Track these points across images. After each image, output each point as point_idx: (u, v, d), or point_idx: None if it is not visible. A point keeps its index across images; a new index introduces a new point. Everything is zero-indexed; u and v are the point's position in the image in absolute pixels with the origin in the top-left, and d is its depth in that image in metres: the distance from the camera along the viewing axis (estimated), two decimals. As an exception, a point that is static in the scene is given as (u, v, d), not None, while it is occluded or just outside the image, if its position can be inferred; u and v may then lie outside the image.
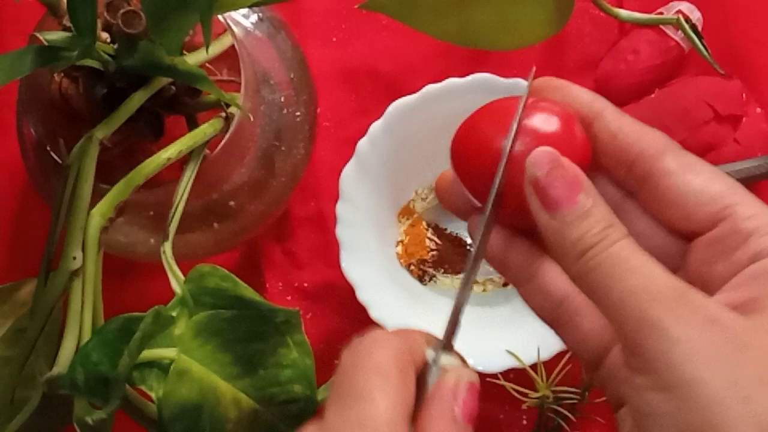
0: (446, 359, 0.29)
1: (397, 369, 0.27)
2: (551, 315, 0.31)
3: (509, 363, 0.52)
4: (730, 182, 0.29)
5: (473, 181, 0.31)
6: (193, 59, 0.45)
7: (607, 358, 0.30)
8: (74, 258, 0.41)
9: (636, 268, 0.26)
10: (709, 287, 0.28)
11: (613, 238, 0.27)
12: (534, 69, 0.32)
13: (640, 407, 0.26)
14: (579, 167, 0.29)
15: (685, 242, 0.29)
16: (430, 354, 0.29)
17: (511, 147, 0.29)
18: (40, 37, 0.40)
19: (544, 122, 0.29)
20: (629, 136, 0.30)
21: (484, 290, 0.57)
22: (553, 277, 0.31)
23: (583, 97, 0.31)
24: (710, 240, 0.28)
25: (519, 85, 0.55)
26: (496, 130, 0.29)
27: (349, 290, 0.53)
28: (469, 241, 0.57)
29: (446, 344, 0.29)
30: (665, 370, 0.25)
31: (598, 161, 0.30)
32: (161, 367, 0.40)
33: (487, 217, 0.30)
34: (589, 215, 0.28)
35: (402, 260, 0.57)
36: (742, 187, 0.29)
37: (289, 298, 0.58)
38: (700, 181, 0.29)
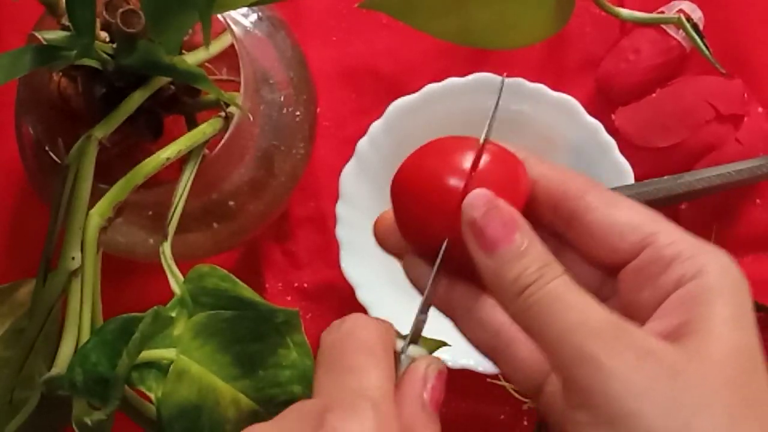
0: (415, 349, 0.30)
1: (381, 346, 0.28)
2: (488, 346, 0.32)
3: (510, 363, 0.52)
4: (651, 213, 0.30)
5: (417, 222, 0.31)
6: (193, 58, 0.45)
7: (545, 387, 0.31)
8: (73, 258, 0.40)
9: (572, 305, 0.27)
10: (639, 315, 0.29)
11: (550, 276, 0.28)
12: (503, 81, 0.33)
13: None
14: (517, 209, 0.29)
15: (613, 277, 0.30)
16: (399, 344, 0.30)
17: (453, 187, 0.29)
18: (39, 37, 0.40)
19: (486, 164, 0.30)
20: (551, 180, 0.31)
21: (485, 290, 0.57)
22: (490, 310, 0.32)
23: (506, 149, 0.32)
24: (635, 268, 0.29)
25: (520, 85, 0.55)
26: (443, 172, 0.30)
27: (349, 290, 0.53)
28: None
29: (414, 335, 0.30)
30: (603, 405, 0.26)
31: (527, 207, 0.31)
32: (160, 368, 0.40)
33: (438, 261, 0.30)
34: (526, 254, 0.28)
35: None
36: (662, 216, 0.30)
37: (288, 298, 0.58)
38: (621, 214, 0.30)
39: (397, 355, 0.29)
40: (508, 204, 0.29)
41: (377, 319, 0.29)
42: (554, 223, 0.31)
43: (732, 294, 0.28)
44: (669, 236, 0.29)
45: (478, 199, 0.29)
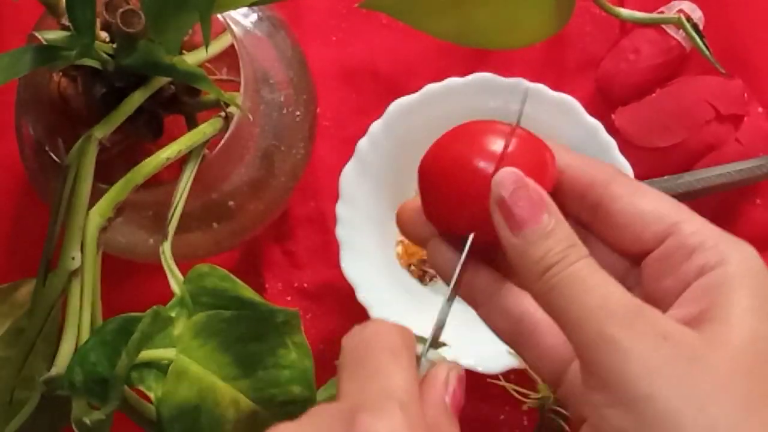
0: (434, 354, 0.30)
1: (405, 349, 0.28)
2: (510, 333, 0.32)
3: (510, 363, 0.52)
4: (675, 203, 0.30)
5: (445, 202, 0.31)
6: (193, 58, 0.45)
7: (566, 375, 0.31)
8: (73, 258, 0.40)
9: (594, 287, 0.28)
10: (661, 303, 0.29)
11: (574, 258, 0.28)
12: (527, 90, 0.33)
13: (598, 425, 0.27)
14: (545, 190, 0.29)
15: (637, 266, 0.31)
16: (419, 348, 0.30)
17: (482, 169, 0.30)
18: (39, 37, 0.40)
19: (515, 147, 0.30)
20: (577, 169, 0.31)
21: (485, 290, 0.57)
22: (513, 297, 0.32)
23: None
24: (658, 257, 0.30)
25: (520, 85, 0.55)
26: (472, 155, 0.30)
27: (349, 290, 0.53)
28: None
29: (434, 340, 0.31)
30: (621, 387, 0.26)
31: (552, 197, 0.31)
32: (160, 368, 0.40)
33: (469, 242, 0.31)
34: (551, 235, 0.29)
35: (402, 260, 0.57)
36: (686, 207, 0.30)
37: (288, 298, 0.58)
38: (646, 203, 0.30)
39: (417, 359, 0.29)
40: (536, 184, 0.29)
41: (397, 324, 0.29)
42: (580, 213, 0.31)
43: (753, 284, 0.28)
44: (692, 225, 0.29)
45: (508, 177, 0.29)
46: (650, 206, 0.30)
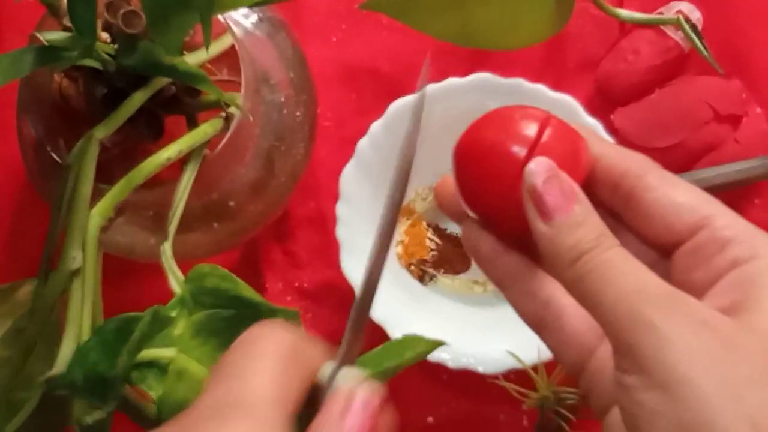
0: (348, 373, 0.28)
1: (275, 353, 0.27)
2: (536, 317, 0.32)
3: (510, 363, 0.52)
4: (707, 196, 0.30)
5: (478, 187, 0.31)
6: (193, 59, 0.45)
7: (589, 363, 0.31)
8: (74, 258, 0.41)
9: (630, 272, 0.28)
10: (692, 294, 0.29)
11: (607, 245, 0.28)
12: (428, 60, 0.34)
13: (631, 409, 0.26)
14: (577, 183, 0.30)
15: (667, 257, 0.31)
16: (327, 368, 0.28)
17: (515, 154, 0.30)
18: (40, 37, 0.40)
19: (549, 136, 0.30)
20: (612, 159, 0.31)
21: (485, 290, 0.57)
22: (542, 281, 0.32)
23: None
24: (690, 249, 0.30)
25: (520, 85, 0.55)
26: (506, 141, 0.30)
27: (349, 290, 0.53)
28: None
29: (345, 358, 0.29)
30: (658, 370, 0.26)
31: (585, 185, 0.31)
32: (160, 367, 0.40)
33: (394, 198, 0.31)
34: (584, 224, 0.29)
35: (402, 260, 0.57)
36: (718, 200, 0.30)
37: (289, 298, 0.58)
38: (679, 194, 0.30)
39: (322, 386, 0.28)
40: (568, 176, 0.29)
41: (293, 329, 0.29)
42: (612, 202, 0.32)
43: None
44: (725, 219, 0.29)
45: (540, 166, 0.29)
46: (683, 198, 0.30)
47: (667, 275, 0.30)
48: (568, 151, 0.30)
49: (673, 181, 0.31)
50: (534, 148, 0.30)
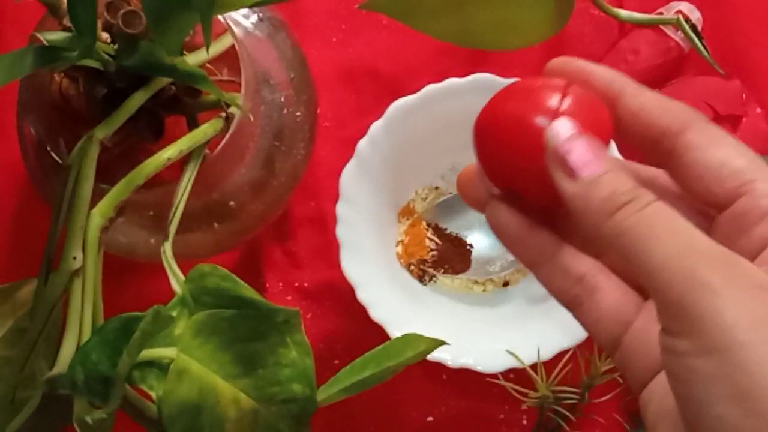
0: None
1: None
2: (569, 295, 0.30)
3: (509, 363, 0.52)
4: (752, 157, 0.28)
5: (501, 160, 0.30)
6: (194, 59, 0.45)
7: (624, 337, 0.29)
8: (74, 258, 0.41)
9: (678, 230, 0.26)
10: None
11: (647, 200, 0.27)
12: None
13: (683, 375, 0.25)
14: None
15: (710, 222, 0.29)
16: None
17: (539, 126, 0.29)
18: (41, 37, 0.40)
19: (571, 104, 0.29)
20: (652, 112, 0.29)
21: (484, 290, 0.57)
22: (574, 256, 0.30)
23: (604, 76, 0.31)
24: (731, 216, 0.28)
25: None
26: (528, 111, 0.29)
27: (349, 290, 0.53)
28: (469, 240, 0.58)
29: None
30: (714, 332, 0.24)
31: (625, 139, 0.30)
32: (161, 367, 0.40)
33: None
34: (615, 176, 0.27)
35: (402, 260, 0.57)
36: (764, 164, 0.28)
37: (289, 298, 0.58)
38: (721, 155, 0.28)
39: None
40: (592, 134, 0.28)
41: None
42: (653, 157, 0.30)
43: None
44: (767, 184, 0.28)
45: (562, 125, 0.28)
46: (725, 160, 0.28)
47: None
48: (592, 118, 0.29)
49: (718, 138, 0.29)
50: (556, 115, 0.29)
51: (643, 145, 0.30)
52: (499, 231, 0.31)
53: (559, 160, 0.28)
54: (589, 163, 0.27)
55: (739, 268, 0.25)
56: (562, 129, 0.28)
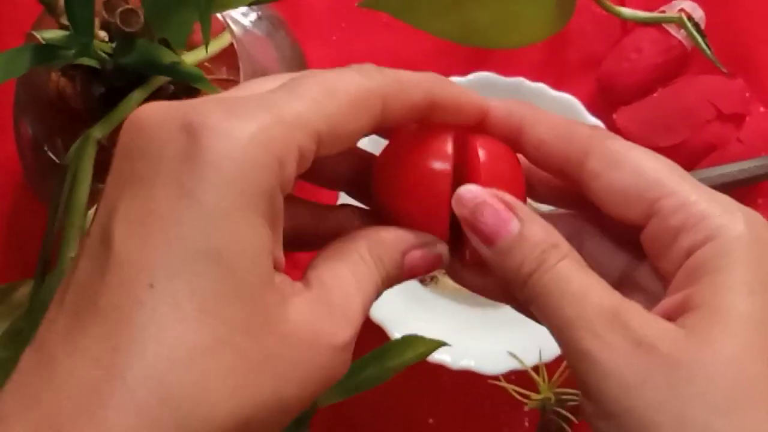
0: None
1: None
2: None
3: (511, 365, 0.52)
4: (654, 169, 0.28)
5: (401, 205, 0.29)
6: (192, 58, 0.45)
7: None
8: (71, 258, 0.40)
9: (571, 294, 0.26)
10: (666, 284, 0.27)
11: (553, 260, 0.27)
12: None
13: None
14: (513, 187, 0.28)
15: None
16: None
17: (444, 184, 0.28)
18: (38, 36, 0.39)
19: (475, 156, 0.29)
20: (552, 145, 0.29)
21: (485, 291, 0.57)
22: None
23: (499, 114, 0.30)
24: (648, 237, 0.28)
25: (521, 84, 0.55)
26: (427, 164, 0.28)
27: (349, 291, 0.53)
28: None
29: None
30: (601, 402, 0.25)
31: (541, 170, 0.30)
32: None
33: None
34: (524, 241, 0.27)
35: (402, 260, 0.57)
36: (670, 172, 0.28)
37: (288, 298, 0.57)
38: (623, 179, 0.27)
39: None
40: (498, 190, 0.28)
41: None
42: (571, 185, 0.29)
43: (747, 256, 0.25)
44: (675, 200, 0.27)
45: (465, 195, 0.28)
46: (628, 182, 0.27)
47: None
48: (497, 168, 0.29)
49: (617, 159, 0.28)
50: (454, 170, 0.28)
51: (556, 175, 0.30)
52: (483, 294, 0.31)
53: (471, 229, 0.28)
54: (498, 232, 0.27)
55: (618, 327, 0.25)
56: (465, 198, 0.28)
